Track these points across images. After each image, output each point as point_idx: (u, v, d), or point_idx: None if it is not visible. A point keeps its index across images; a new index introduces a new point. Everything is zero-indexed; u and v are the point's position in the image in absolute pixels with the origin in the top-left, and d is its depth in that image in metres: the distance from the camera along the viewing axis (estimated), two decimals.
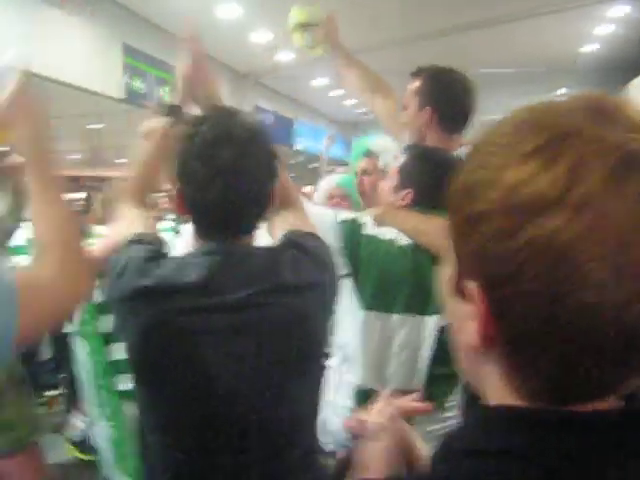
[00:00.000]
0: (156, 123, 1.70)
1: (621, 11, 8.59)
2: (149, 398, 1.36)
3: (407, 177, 1.94)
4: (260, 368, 1.31)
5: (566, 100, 0.57)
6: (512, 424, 0.56)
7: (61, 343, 3.45)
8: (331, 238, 1.78)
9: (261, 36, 9.69)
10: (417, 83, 2.22)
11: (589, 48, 10.59)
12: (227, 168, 1.28)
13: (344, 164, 5.18)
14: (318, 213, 1.87)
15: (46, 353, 4.52)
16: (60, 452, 3.78)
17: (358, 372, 1.92)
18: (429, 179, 1.88)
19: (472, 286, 0.57)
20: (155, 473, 1.37)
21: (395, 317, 1.87)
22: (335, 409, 1.92)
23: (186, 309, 1.28)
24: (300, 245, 1.43)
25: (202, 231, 1.37)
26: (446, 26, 8.88)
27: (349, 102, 13.59)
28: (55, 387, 4.52)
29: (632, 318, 0.51)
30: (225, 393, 1.30)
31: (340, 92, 12.30)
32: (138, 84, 8.82)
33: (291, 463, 1.37)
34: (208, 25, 8.81)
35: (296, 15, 2.62)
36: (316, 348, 1.42)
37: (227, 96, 11.14)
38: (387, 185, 2.01)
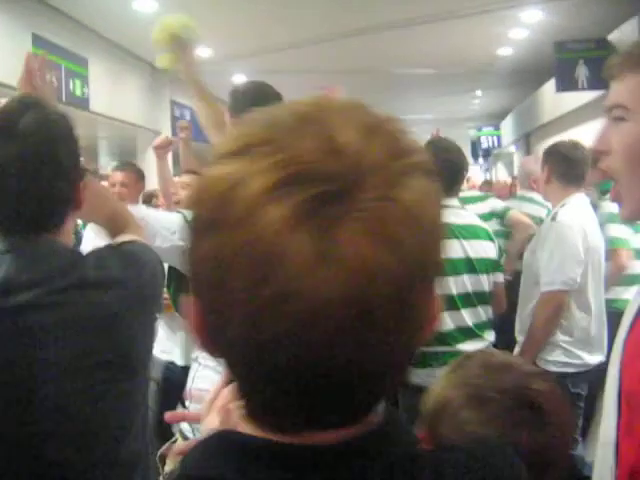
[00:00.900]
0: None
1: (534, 16, 8.82)
2: None
3: None
4: (62, 371, 1.26)
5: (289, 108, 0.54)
6: (228, 453, 0.54)
7: None
8: None
9: None
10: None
11: (505, 51, 10.84)
12: (4, 163, 1.27)
13: None
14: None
15: None
16: None
17: None
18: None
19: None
20: None
21: None
22: None
23: None
24: (109, 244, 1.43)
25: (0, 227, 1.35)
26: (366, 25, 8.90)
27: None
28: None
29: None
30: (23, 398, 1.24)
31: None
32: (48, 77, 8.46)
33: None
34: (124, 17, 8.55)
35: (175, 24, 2.50)
36: (128, 354, 1.35)
37: (142, 91, 10.87)
38: None
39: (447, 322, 2.78)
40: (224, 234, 0.48)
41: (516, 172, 11.40)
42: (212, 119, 2.58)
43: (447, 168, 2.85)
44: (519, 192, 5.14)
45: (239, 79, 9.86)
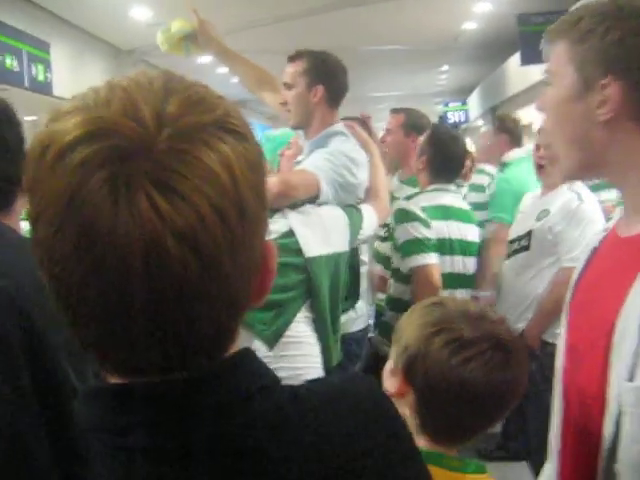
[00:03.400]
0: None
1: None
2: None
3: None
4: None
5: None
6: (100, 399, 0.60)
7: None
8: None
9: (141, 13, 9.34)
10: (301, 64, 2.39)
11: (469, 25, 10.87)
12: None
13: None
14: None
15: None
16: None
17: None
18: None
19: None
20: None
21: None
22: None
23: None
24: None
25: None
26: (332, 3, 8.86)
27: (237, 79, 13.39)
28: None
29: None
30: None
31: (226, 69, 12.05)
32: (10, 62, 8.31)
33: None
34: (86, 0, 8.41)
35: (178, 29, 2.60)
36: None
37: (107, 74, 10.72)
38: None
39: None
40: (39, 184, 0.55)
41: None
42: (252, 78, 2.69)
43: (445, 157, 2.94)
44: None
45: (205, 60, 9.75)
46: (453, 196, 3.01)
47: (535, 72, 10.50)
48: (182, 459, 0.57)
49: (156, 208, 0.52)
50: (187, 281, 0.54)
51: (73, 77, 9.59)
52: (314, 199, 2.20)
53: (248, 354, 0.62)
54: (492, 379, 1.12)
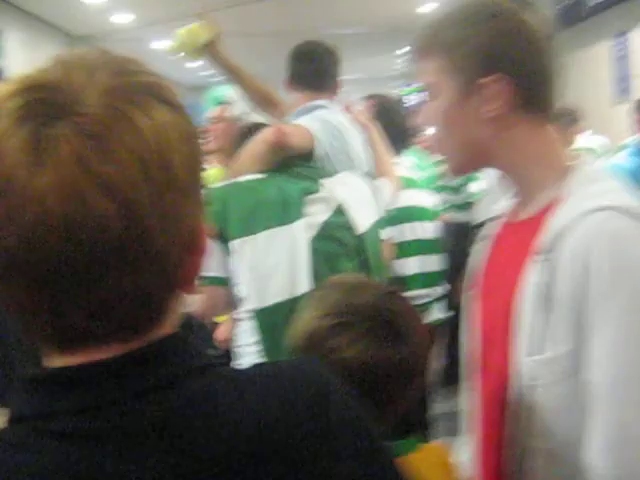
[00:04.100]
0: None
1: None
2: None
3: None
4: None
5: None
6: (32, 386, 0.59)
7: None
8: None
9: None
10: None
11: (429, 7, 10.88)
12: None
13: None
14: None
15: None
16: None
17: None
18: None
19: None
20: None
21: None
22: None
23: None
24: None
25: None
26: None
27: (194, 64, 13.24)
28: None
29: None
30: None
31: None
32: None
33: None
34: None
35: (199, 35, 2.55)
36: None
37: None
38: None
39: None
40: None
41: None
42: (254, 97, 2.62)
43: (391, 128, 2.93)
44: None
45: (160, 45, 9.62)
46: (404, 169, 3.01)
47: None
48: (106, 441, 0.56)
49: (79, 156, 0.52)
50: (110, 237, 0.53)
51: (26, 64, 9.35)
52: (310, 155, 2.13)
53: (182, 336, 0.62)
54: (378, 357, 1.05)
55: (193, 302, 1.89)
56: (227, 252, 1.87)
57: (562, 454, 0.98)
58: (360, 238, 1.99)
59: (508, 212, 1.18)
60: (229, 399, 0.60)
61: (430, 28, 1.12)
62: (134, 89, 0.57)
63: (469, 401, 1.23)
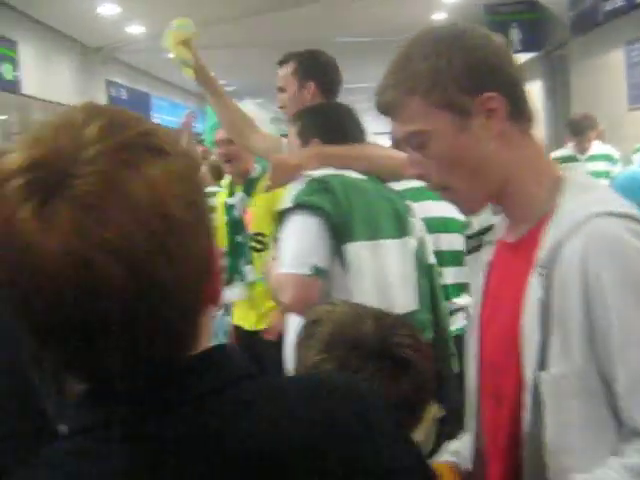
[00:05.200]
0: None
1: None
2: None
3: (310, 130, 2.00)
4: None
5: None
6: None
7: None
8: None
9: (109, 9, 9.23)
10: (290, 66, 2.47)
11: (439, 16, 10.91)
12: None
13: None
14: None
15: None
16: None
17: None
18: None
19: None
20: None
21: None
22: None
23: None
24: None
25: None
26: None
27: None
28: None
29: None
30: None
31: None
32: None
33: None
34: None
35: (185, 28, 2.49)
36: None
37: (75, 71, 10.60)
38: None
39: None
40: None
41: None
42: (234, 122, 2.53)
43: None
44: None
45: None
46: None
47: None
48: (167, 444, 0.60)
49: (79, 227, 0.54)
50: (123, 295, 0.56)
51: (41, 75, 9.46)
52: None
53: (218, 350, 0.65)
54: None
55: (280, 290, 1.75)
56: (335, 246, 1.77)
57: (578, 471, 0.96)
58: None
59: (501, 232, 1.16)
60: (273, 407, 0.63)
61: (391, 81, 1.07)
62: (122, 146, 0.58)
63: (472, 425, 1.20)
